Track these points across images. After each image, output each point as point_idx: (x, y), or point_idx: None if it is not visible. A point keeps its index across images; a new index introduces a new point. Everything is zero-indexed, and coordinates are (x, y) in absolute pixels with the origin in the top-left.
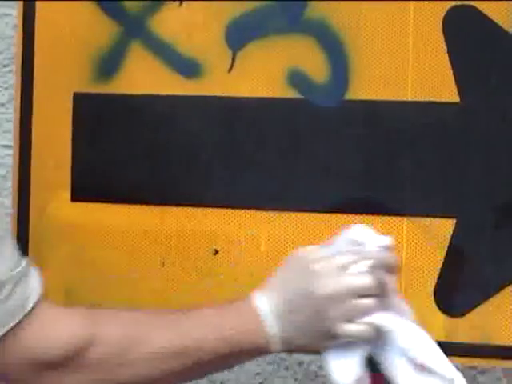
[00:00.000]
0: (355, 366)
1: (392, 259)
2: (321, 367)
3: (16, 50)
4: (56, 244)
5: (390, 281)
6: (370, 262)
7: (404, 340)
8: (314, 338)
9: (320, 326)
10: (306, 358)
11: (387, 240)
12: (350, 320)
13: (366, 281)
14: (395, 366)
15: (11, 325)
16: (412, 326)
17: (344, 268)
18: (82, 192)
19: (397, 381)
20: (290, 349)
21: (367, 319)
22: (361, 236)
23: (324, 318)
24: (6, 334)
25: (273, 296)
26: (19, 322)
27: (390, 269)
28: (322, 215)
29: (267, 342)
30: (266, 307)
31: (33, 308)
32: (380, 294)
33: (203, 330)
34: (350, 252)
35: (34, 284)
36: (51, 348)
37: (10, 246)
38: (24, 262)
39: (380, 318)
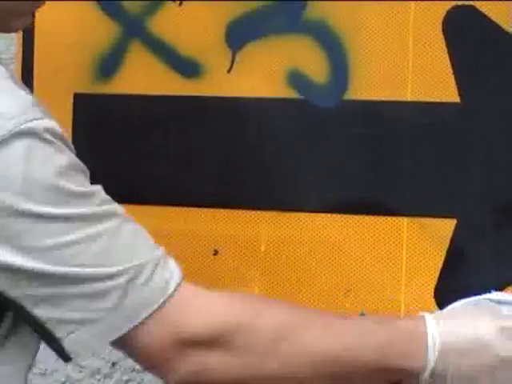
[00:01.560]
0: None
1: None
2: None
3: (16, 50)
4: None
5: None
6: None
7: None
8: None
9: (481, 381)
10: None
11: None
12: None
13: None
14: None
15: (155, 306)
16: None
17: None
18: None
19: None
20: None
21: None
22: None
23: (491, 376)
24: (150, 315)
25: (449, 330)
26: (164, 302)
27: None
28: (321, 215)
29: (419, 373)
30: (438, 339)
31: (176, 289)
32: None
33: (362, 340)
34: None
35: (174, 266)
36: (197, 326)
37: (145, 231)
38: (161, 247)
39: None
